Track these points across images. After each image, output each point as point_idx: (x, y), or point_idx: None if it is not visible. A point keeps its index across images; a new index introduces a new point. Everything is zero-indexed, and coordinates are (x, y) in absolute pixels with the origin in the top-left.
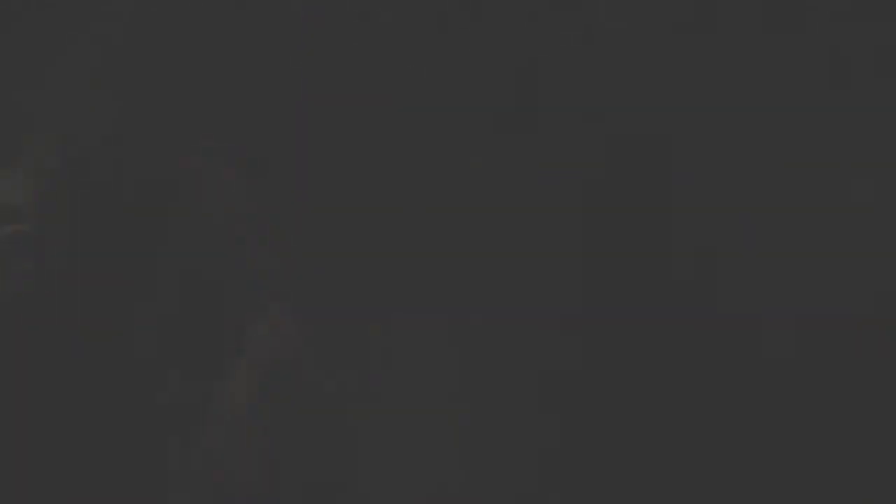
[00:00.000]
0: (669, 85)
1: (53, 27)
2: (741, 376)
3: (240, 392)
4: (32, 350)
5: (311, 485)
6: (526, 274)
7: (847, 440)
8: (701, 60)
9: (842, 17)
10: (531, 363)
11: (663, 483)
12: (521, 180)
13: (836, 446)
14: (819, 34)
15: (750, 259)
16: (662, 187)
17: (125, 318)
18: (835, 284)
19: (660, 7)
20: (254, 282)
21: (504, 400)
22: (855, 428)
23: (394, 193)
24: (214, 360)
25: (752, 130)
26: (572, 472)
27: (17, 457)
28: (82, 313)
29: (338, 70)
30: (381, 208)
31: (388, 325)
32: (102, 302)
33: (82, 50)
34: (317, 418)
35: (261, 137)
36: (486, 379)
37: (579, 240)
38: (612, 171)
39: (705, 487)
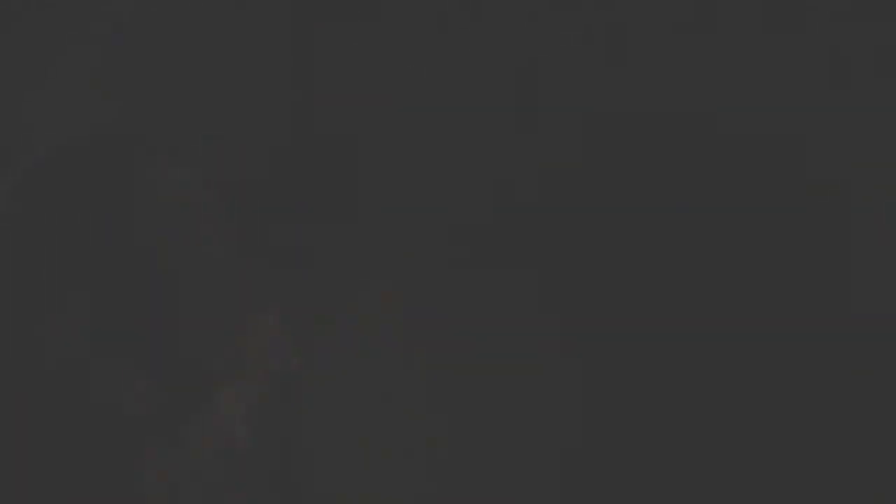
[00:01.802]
0: (669, 85)
1: (53, 27)
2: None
3: (232, 404)
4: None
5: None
6: (523, 276)
7: None
8: (701, 60)
9: (842, 17)
10: (532, 370)
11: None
12: (521, 180)
13: None
14: (819, 34)
15: (748, 263)
16: (660, 186)
17: (101, 324)
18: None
19: (660, 7)
20: (239, 289)
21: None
22: None
23: (392, 193)
24: (202, 371)
25: (752, 130)
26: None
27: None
28: (56, 320)
29: (337, 70)
30: (379, 208)
31: (384, 325)
32: (77, 308)
33: (82, 50)
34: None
35: (260, 138)
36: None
37: (577, 239)
38: (612, 170)
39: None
